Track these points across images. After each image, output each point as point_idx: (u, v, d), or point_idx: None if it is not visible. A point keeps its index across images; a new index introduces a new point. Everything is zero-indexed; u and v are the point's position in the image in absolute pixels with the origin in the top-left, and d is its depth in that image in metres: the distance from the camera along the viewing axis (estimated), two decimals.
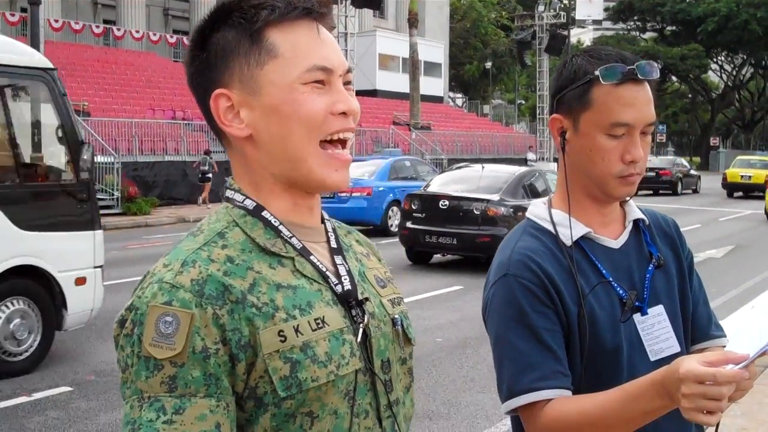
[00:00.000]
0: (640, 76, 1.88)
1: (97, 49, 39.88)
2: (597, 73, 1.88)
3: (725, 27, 69.43)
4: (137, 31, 42.31)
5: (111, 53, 40.04)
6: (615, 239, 2.00)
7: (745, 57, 78.16)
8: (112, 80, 35.06)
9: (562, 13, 51.30)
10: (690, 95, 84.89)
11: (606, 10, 67.91)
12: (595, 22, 56.80)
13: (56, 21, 38.53)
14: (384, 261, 1.71)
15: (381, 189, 19.96)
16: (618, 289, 1.93)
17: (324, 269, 1.45)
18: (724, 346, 1.83)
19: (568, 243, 1.94)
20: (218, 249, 1.39)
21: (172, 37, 45.26)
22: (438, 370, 8.18)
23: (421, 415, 6.81)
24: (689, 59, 71.68)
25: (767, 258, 16.62)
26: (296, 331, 1.35)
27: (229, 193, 1.49)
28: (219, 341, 1.30)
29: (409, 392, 1.58)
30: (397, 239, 16.10)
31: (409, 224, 15.05)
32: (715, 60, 79.51)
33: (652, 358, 1.93)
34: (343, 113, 1.44)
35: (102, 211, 22.93)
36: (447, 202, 14.65)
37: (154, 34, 43.64)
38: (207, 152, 27.17)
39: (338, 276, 1.47)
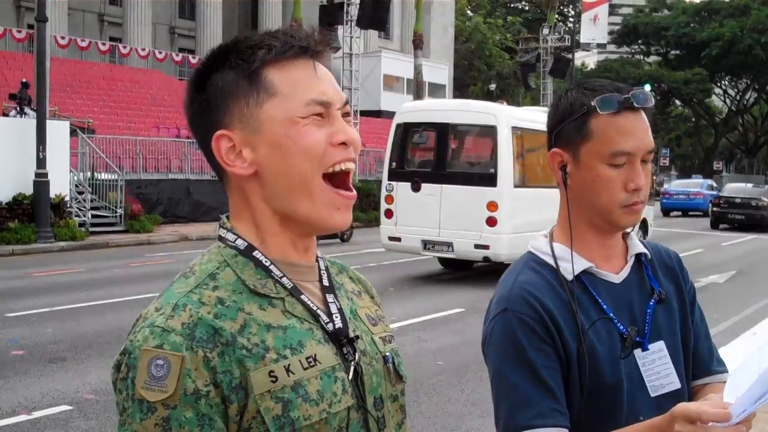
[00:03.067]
0: (636, 105, 1.89)
1: (102, 67, 39.97)
2: (594, 103, 1.89)
3: (729, 52, 69.55)
4: (143, 49, 42.44)
5: (117, 71, 40.14)
6: (616, 273, 1.99)
7: (748, 82, 78.23)
8: (117, 97, 35.14)
9: (567, 36, 51.34)
10: (693, 119, 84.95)
11: (610, 33, 68.06)
12: (600, 45, 56.84)
13: (62, 38, 38.66)
14: (377, 299, 1.72)
15: None
16: (618, 324, 1.92)
17: (315, 308, 1.47)
18: (725, 382, 1.84)
19: (569, 277, 1.94)
20: (209, 291, 1.40)
21: (177, 55, 45.39)
22: (439, 393, 8.15)
23: None
24: (693, 83, 71.79)
25: None
26: (287, 370, 1.37)
27: (221, 232, 1.51)
28: (210, 383, 1.32)
29: (401, 429, 1.59)
30: None
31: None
32: (718, 84, 79.63)
33: (653, 394, 1.92)
34: (343, 143, 1.45)
35: (105, 229, 23.20)
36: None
37: (160, 52, 43.78)
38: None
39: (329, 314, 1.48)
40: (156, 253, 19.89)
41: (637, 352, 1.93)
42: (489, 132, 15.19)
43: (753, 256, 22.18)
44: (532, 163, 15.83)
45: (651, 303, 1.98)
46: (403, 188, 15.75)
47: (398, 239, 15.90)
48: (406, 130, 15.88)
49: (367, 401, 1.46)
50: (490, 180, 14.87)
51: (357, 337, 1.49)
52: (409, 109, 16.66)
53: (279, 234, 1.48)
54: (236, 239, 1.47)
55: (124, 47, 42.22)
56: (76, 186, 23.98)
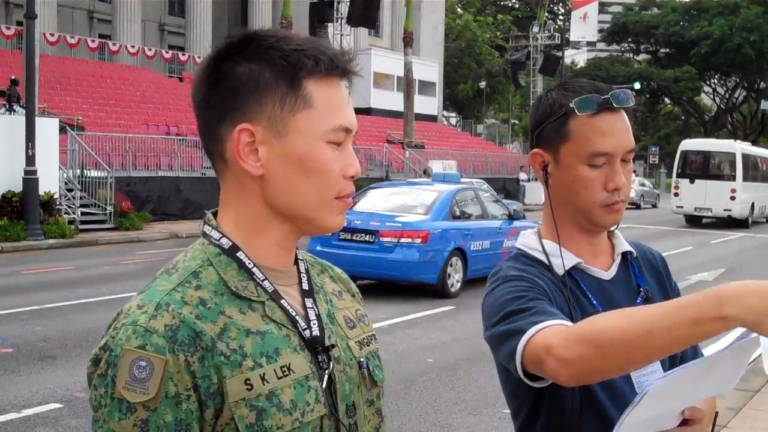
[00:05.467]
0: (615, 105, 1.90)
1: (92, 64, 39.89)
2: (572, 105, 1.90)
3: (718, 50, 69.75)
4: (133, 46, 42.34)
5: (106, 68, 40.04)
6: (606, 270, 2.02)
7: (737, 80, 78.50)
8: (106, 95, 35.05)
9: (557, 34, 51.48)
10: (683, 117, 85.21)
11: (600, 31, 68.18)
12: (589, 43, 57.02)
13: (52, 35, 38.53)
14: (359, 296, 1.72)
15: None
16: None
17: (294, 314, 1.47)
18: None
19: (560, 272, 1.96)
20: (192, 290, 1.40)
21: (167, 52, 45.29)
22: (429, 391, 8.17)
23: None
24: (682, 81, 71.99)
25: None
26: (262, 379, 1.37)
27: (206, 229, 1.50)
28: (191, 387, 1.32)
29: None
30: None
31: None
32: (708, 83, 79.86)
33: (638, 390, 1.94)
34: (351, 177, 1.48)
35: (94, 226, 23.16)
36: None
37: (150, 49, 43.67)
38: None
39: (307, 320, 1.49)
40: (146, 251, 19.86)
41: None
42: (730, 155, 32.86)
43: (742, 255, 22.27)
44: (753, 170, 34.48)
45: (638, 300, 2.00)
46: (684, 182, 32.72)
47: (681, 207, 32.92)
48: (685, 153, 33.55)
49: (339, 409, 1.47)
50: (732, 178, 32.23)
51: (333, 345, 1.49)
52: (688, 145, 34.36)
53: (267, 234, 1.49)
54: (221, 238, 1.47)
55: (114, 44, 42.11)
56: (66, 183, 23.93)
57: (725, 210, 31.39)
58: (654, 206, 48.42)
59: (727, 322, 1.43)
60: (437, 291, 13.69)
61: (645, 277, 2.07)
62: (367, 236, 13.54)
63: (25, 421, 7.00)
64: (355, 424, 1.51)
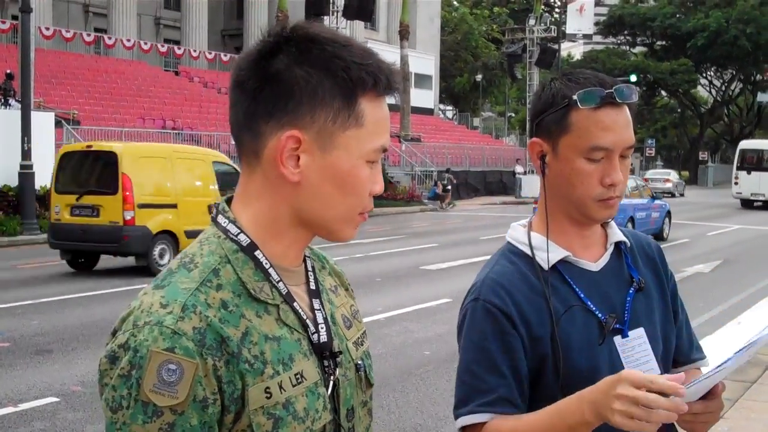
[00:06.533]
0: (618, 100, 1.88)
1: (87, 58, 39.86)
2: (575, 97, 1.88)
3: (715, 42, 69.73)
4: (128, 40, 42.29)
5: (101, 62, 40.03)
6: (594, 262, 2.01)
7: (734, 72, 78.51)
8: (102, 89, 35.05)
9: (553, 27, 51.45)
10: (679, 110, 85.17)
11: (596, 24, 68.09)
12: (586, 36, 56.85)
13: (47, 29, 38.49)
14: (351, 290, 1.72)
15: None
16: (596, 312, 1.94)
17: (304, 317, 1.47)
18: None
19: (546, 267, 1.95)
20: (213, 291, 1.38)
21: (163, 46, 45.26)
22: (426, 383, 8.17)
23: (409, 429, 6.81)
24: (679, 74, 71.94)
25: (755, 273, 16.66)
26: (280, 387, 1.38)
27: (222, 221, 1.47)
28: (216, 391, 1.32)
29: None
30: None
31: None
32: (704, 75, 79.84)
33: None
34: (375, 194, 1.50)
35: None
36: None
37: (145, 43, 43.64)
38: (447, 170, 37.78)
39: (315, 323, 1.49)
40: None
41: (617, 339, 1.94)
42: None
43: (739, 246, 22.28)
44: None
45: (630, 291, 2.00)
46: (742, 174, 40.93)
47: (740, 192, 40.99)
48: (743, 152, 42.33)
49: (340, 414, 1.49)
50: None
51: (340, 352, 1.50)
52: (745, 145, 44.36)
53: (284, 237, 1.48)
54: (239, 233, 1.45)
55: (109, 38, 42.08)
56: None
57: None
58: (682, 195, 53.60)
59: (591, 425, 1.69)
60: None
61: (639, 267, 2.06)
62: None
63: (21, 415, 6.99)
64: (353, 427, 1.52)
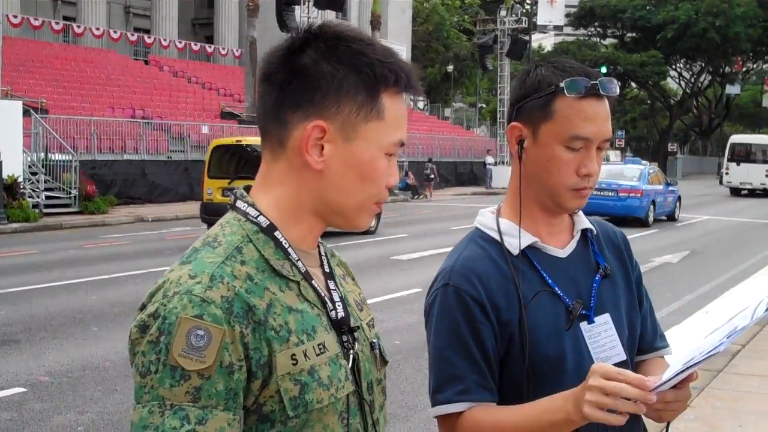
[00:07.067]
0: (602, 92, 1.90)
1: (56, 46, 39.47)
2: (562, 84, 1.90)
3: (684, 35, 70.17)
4: (98, 29, 41.94)
5: (70, 50, 39.66)
6: (562, 248, 2.02)
7: (703, 64, 79.05)
8: (71, 77, 34.73)
9: (524, 18, 51.46)
10: (649, 101, 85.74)
11: (567, 15, 68.28)
12: (556, 27, 56.89)
13: (15, 17, 38.08)
14: (356, 281, 1.79)
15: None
16: (564, 297, 1.95)
17: (323, 295, 1.55)
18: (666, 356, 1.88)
19: (515, 252, 1.96)
20: (238, 265, 1.44)
21: (132, 34, 44.93)
22: (396, 373, 8.18)
23: None
24: (648, 66, 72.36)
25: (722, 264, 16.82)
26: (305, 355, 1.44)
27: (241, 205, 1.54)
28: (243, 358, 1.38)
29: (383, 410, 1.67)
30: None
31: None
32: (673, 67, 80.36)
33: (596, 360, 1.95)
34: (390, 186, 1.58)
35: (59, 210, 22.98)
36: None
37: (115, 32, 43.29)
38: (429, 160, 38.67)
39: (333, 302, 1.56)
40: (111, 234, 19.75)
41: (583, 325, 1.96)
42: (765, 146, 46.61)
43: (707, 237, 22.48)
44: None
45: (596, 278, 2.02)
46: (732, 165, 45.61)
47: (730, 182, 45.34)
48: (733, 146, 47.14)
49: (362, 387, 1.55)
50: (765, 161, 45.20)
51: (357, 327, 1.58)
52: (736, 139, 49.03)
53: (302, 222, 1.55)
54: (258, 216, 1.52)
55: (78, 26, 41.70)
56: (30, 167, 23.72)
57: (761, 184, 45.16)
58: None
59: (574, 423, 1.72)
60: (643, 222, 24.60)
61: (605, 255, 2.08)
62: (610, 192, 24.30)
63: None
64: (373, 402, 1.60)
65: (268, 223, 1.51)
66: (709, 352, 1.60)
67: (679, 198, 27.67)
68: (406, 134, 1.57)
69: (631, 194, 24.55)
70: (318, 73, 1.48)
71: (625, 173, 25.99)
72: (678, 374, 1.61)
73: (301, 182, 1.52)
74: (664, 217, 26.60)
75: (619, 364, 1.82)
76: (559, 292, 1.95)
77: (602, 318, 1.98)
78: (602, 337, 1.97)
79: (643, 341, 2.11)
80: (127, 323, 9.82)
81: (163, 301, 1.38)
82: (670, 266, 16.32)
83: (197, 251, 1.47)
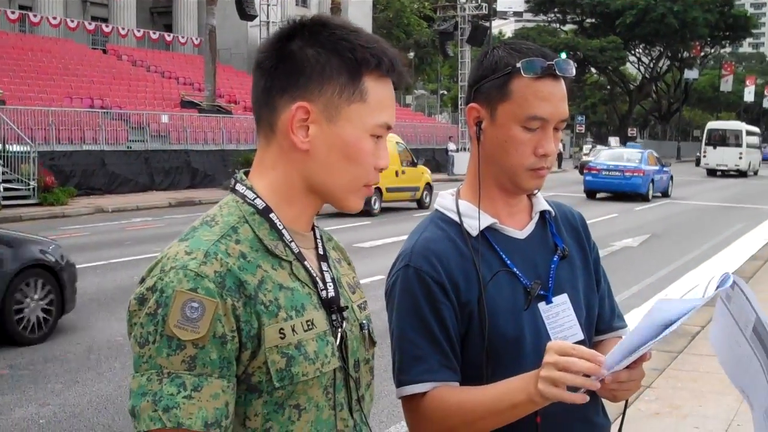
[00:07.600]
0: (558, 73, 1.92)
1: (12, 36, 38.91)
2: (518, 65, 1.91)
3: (643, 20, 70.79)
4: (54, 18, 41.42)
5: (27, 40, 39.13)
6: (520, 230, 2.04)
7: (662, 49, 79.83)
8: (28, 67, 34.27)
9: (484, 4, 51.54)
10: (608, 86, 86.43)
11: (527, 2, 68.54)
12: (516, 13, 57.19)
13: None
14: (353, 265, 1.87)
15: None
16: (522, 278, 1.97)
17: (315, 275, 1.62)
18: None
19: (474, 233, 1.98)
20: (233, 243, 1.53)
21: (90, 24, 44.40)
22: None
23: None
24: (608, 51, 72.92)
25: (681, 247, 17.02)
26: (293, 330, 1.52)
27: (240, 188, 1.62)
28: (234, 329, 1.46)
29: (369, 388, 1.74)
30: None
31: None
32: (633, 52, 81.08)
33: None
34: (381, 169, 1.64)
35: (17, 202, 22.72)
36: None
37: (72, 21, 42.75)
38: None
39: (324, 282, 1.63)
40: (71, 226, 19.56)
41: (541, 305, 1.98)
42: (738, 131, 52.68)
43: (666, 221, 22.71)
44: (750, 140, 53.81)
45: (554, 259, 2.04)
46: (709, 148, 51.49)
47: (708, 164, 51.36)
48: (710, 131, 52.88)
49: (348, 363, 1.63)
50: (739, 145, 51.29)
51: (346, 307, 1.65)
52: (712, 125, 55.38)
53: (296, 203, 1.63)
54: (255, 198, 1.60)
55: (35, 16, 41.17)
56: None
57: (735, 165, 50.70)
58: None
59: (536, 404, 1.73)
60: (644, 197, 29.45)
61: (563, 236, 2.10)
62: (617, 172, 29.64)
63: None
64: (359, 379, 1.67)
65: (264, 205, 1.59)
66: (663, 333, 1.62)
67: (672, 177, 32.58)
68: (394, 118, 1.63)
69: (635, 174, 29.50)
70: (303, 58, 1.56)
71: (627, 156, 31.39)
72: (632, 353, 1.63)
73: (290, 164, 1.59)
74: (659, 193, 30.87)
75: (577, 344, 1.84)
76: (517, 272, 1.97)
77: (560, 298, 2.00)
78: (560, 317, 1.99)
79: (601, 321, 2.14)
80: (89, 314, 9.75)
81: (160, 275, 1.47)
82: (629, 250, 16.48)
83: (195, 230, 1.55)
